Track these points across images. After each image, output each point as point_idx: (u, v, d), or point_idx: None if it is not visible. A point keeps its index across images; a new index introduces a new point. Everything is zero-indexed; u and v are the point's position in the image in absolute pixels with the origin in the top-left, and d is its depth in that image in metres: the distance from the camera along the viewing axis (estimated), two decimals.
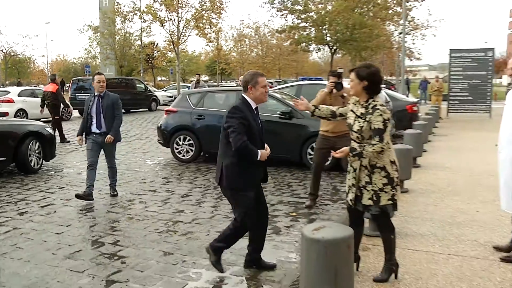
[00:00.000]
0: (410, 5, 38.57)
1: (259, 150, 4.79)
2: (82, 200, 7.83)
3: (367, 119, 4.41)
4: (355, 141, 4.57)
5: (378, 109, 4.39)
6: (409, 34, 40.42)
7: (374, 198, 4.46)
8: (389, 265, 4.68)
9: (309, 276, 3.64)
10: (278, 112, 10.57)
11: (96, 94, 8.04)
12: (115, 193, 8.41)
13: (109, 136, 8.08)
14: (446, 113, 23.34)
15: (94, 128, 8.06)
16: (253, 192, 4.89)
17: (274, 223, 6.78)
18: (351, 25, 34.76)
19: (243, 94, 4.91)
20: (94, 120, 8.03)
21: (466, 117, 22.73)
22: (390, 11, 39.71)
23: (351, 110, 4.66)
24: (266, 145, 5.02)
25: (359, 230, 4.86)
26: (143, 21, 40.06)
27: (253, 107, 4.87)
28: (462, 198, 7.79)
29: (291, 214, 7.27)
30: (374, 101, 4.47)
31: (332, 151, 4.99)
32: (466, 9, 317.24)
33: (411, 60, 44.80)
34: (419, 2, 38.99)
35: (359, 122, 4.48)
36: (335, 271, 3.56)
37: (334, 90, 7.26)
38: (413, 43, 42.23)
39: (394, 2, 39.74)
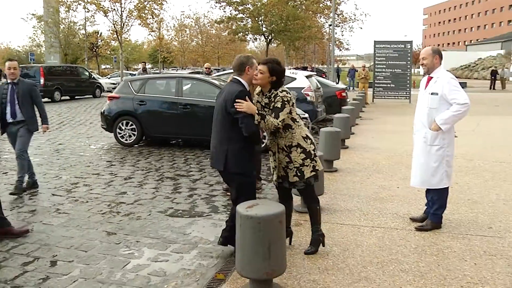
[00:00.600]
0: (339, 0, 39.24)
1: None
2: (27, 191, 7.34)
3: (271, 107, 4.53)
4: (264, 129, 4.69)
5: (278, 95, 4.51)
6: (338, 26, 41.27)
7: (298, 174, 4.60)
8: (317, 236, 4.79)
9: (244, 250, 3.66)
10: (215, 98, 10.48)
11: (8, 81, 7.22)
12: (23, 186, 7.33)
13: (45, 125, 7.48)
14: (372, 99, 23.92)
15: (8, 118, 7.20)
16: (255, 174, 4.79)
17: (213, 203, 6.76)
18: (285, 17, 35.04)
19: (237, 77, 4.57)
20: (8, 109, 7.18)
21: (389, 102, 23.38)
22: (321, 5, 40.30)
23: (257, 101, 4.71)
24: None
25: (288, 206, 4.91)
26: (87, 11, 38.85)
27: (247, 89, 4.58)
28: (385, 176, 8.02)
29: (228, 194, 7.27)
30: (275, 90, 4.58)
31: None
32: (389, 5, 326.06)
33: (340, 50, 45.74)
34: None
35: (266, 111, 4.60)
36: (268, 245, 3.59)
37: None
38: (342, 35, 43.33)
39: None
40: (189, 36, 64.47)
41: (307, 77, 13.57)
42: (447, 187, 5.41)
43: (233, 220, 4.76)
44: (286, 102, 4.46)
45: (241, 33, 38.00)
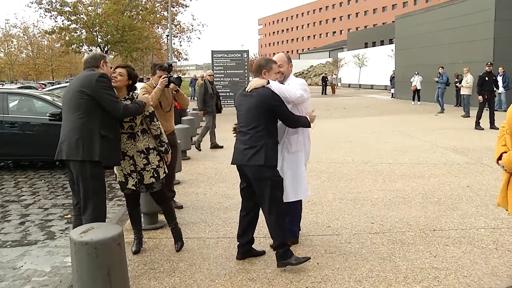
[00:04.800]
0: (176, 10, 39.42)
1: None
2: None
3: None
4: (124, 132, 4.70)
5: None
6: (176, 36, 41.30)
7: (155, 175, 4.82)
8: (179, 230, 5.12)
9: (81, 279, 3.38)
10: (48, 114, 9.76)
11: None
12: None
13: None
14: None
15: None
16: None
17: (48, 228, 6.23)
18: (121, 27, 34.27)
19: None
20: None
21: (229, 110, 23.74)
22: (157, 15, 40.10)
23: None
24: None
25: (138, 210, 5.19)
26: None
27: None
28: (228, 185, 8.08)
29: (66, 216, 6.77)
30: (133, 92, 4.82)
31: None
32: (226, 15, 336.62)
33: (179, 60, 45.81)
34: (183, 8, 40.04)
35: None
36: (108, 271, 3.36)
37: (172, 85, 6.02)
38: (181, 45, 43.49)
39: (161, 7, 40.25)
40: (17, 48, 60.02)
41: None
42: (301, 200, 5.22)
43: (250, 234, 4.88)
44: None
45: (75, 45, 36.26)
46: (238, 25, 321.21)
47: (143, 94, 6.08)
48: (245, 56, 24.44)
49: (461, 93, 19.06)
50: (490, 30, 22.13)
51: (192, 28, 42.35)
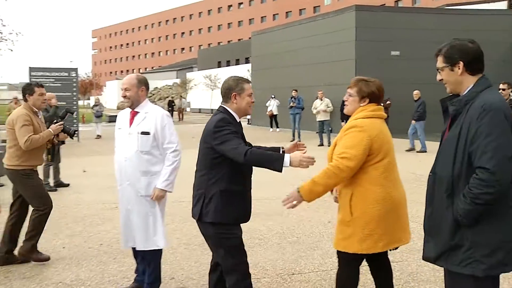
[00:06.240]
0: None
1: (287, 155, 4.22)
2: None
3: None
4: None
5: None
6: None
7: None
8: None
9: None
10: None
11: None
12: None
13: None
14: None
15: None
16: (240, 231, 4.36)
17: None
18: None
19: (223, 105, 4.31)
20: None
21: None
22: None
23: None
24: None
25: None
26: None
27: (237, 121, 4.30)
28: (47, 235, 7.62)
29: None
30: None
31: None
32: (51, 25, 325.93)
33: None
34: None
35: None
36: None
37: (63, 135, 6.50)
38: None
39: None
40: None
41: None
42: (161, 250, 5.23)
43: None
44: None
45: None
46: (66, 37, 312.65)
47: (25, 125, 6.02)
48: (74, 75, 23.64)
49: (320, 119, 19.62)
50: (352, 50, 23.85)
51: (1, 37, 39.93)
